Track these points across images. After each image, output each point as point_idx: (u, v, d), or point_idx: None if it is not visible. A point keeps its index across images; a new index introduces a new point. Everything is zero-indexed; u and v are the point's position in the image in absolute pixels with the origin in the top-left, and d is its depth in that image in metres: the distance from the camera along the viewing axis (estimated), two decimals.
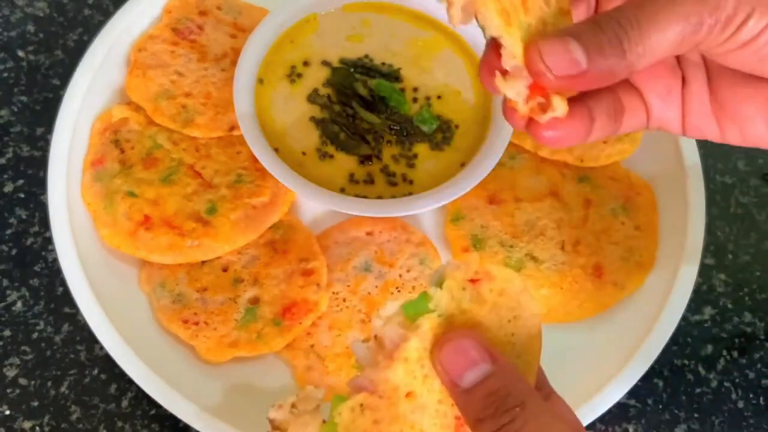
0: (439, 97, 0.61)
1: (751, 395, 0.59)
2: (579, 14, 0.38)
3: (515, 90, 0.33)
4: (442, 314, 0.32)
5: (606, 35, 0.31)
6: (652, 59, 0.31)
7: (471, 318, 0.32)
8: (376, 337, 0.32)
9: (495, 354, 0.30)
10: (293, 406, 0.32)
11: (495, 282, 0.33)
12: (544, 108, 0.33)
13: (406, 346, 0.31)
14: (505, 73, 0.34)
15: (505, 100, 0.35)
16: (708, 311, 0.62)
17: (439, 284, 0.33)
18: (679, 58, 0.38)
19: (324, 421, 0.32)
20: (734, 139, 0.37)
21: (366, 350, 0.32)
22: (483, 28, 0.32)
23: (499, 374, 0.30)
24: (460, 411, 0.31)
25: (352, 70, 0.61)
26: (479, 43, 0.62)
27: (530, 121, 0.35)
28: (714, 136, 0.38)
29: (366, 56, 0.62)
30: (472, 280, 0.33)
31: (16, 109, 0.65)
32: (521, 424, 0.29)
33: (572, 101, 0.35)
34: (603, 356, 0.56)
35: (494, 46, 0.34)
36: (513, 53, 0.32)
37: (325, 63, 0.62)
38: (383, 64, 0.62)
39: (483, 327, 0.33)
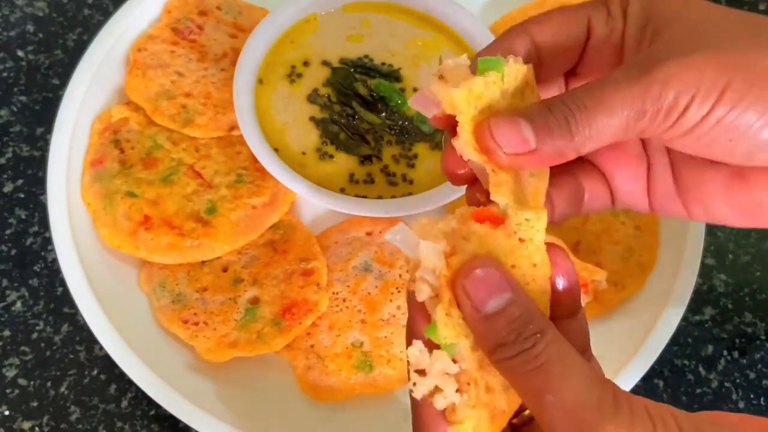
0: None
1: (751, 395, 0.59)
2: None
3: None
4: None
5: (555, 117, 0.32)
6: (600, 142, 0.33)
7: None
8: (441, 76, 0.33)
9: (513, 282, 0.31)
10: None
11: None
12: None
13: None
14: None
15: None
16: (708, 311, 0.62)
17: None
18: (644, 144, 0.39)
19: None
20: (701, 217, 0.38)
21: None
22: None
23: (520, 302, 0.31)
24: (478, 338, 0.31)
25: (352, 70, 0.61)
26: (480, 44, 0.62)
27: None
28: (681, 215, 0.39)
29: (366, 56, 0.62)
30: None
31: (15, 109, 0.65)
32: (542, 349, 0.30)
33: None
34: (603, 356, 0.55)
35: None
36: (465, 140, 0.33)
37: (325, 63, 0.62)
38: (383, 64, 0.62)
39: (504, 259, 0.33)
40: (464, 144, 0.33)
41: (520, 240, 0.33)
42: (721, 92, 0.31)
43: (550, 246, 0.34)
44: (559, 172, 0.38)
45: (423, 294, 0.32)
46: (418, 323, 0.33)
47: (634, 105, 0.32)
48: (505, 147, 0.32)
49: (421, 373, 0.31)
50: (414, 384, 0.31)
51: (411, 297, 0.33)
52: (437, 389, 0.31)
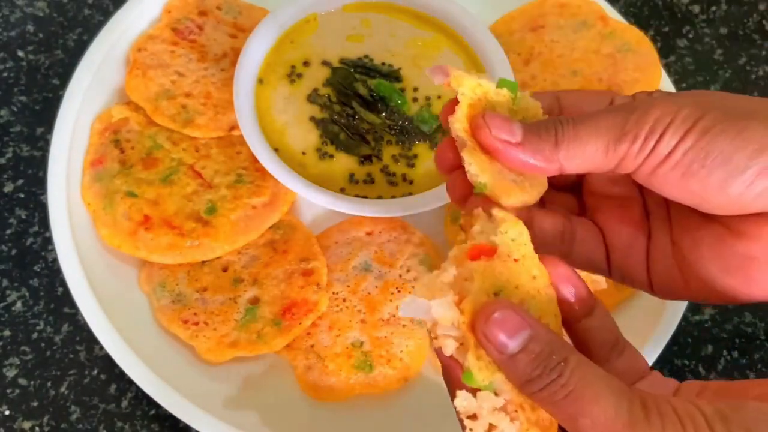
0: (439, 97, 0.61)
1: None
2: None
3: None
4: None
5: (545, 126, 0.36)
6: (583, 160, 0.35)
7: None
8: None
9: (530, 319, 0.33)
10: None
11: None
12: None
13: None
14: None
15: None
16: (708, 311, 0.62)
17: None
18: (647, 212, 0.40)
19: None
20: (698, 291, 0.38)
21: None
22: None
23: (539, 337, 0.32)
24: (507, 376, 0.32)
25: (352, 70, 0.61)
26: (479, 44, 0.62)
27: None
28: (681, 294, 0.39)
29: (366, 56, 0.62)
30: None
31: (16, 109, 0.65)
32: (568, 378, 0.31)
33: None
34: None
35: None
36: (458, 117, 0.36)
37: (325, 63, 0.62)
38: (383, 64, 0.62)
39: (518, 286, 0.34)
40: (456, 119, 0.36)
41: (515, 260, 0.34)
42: (694, 122, 0.33)
43: (542, 257, 0.35)
44: (552, 211, 0.40)
45: (449, 348, 0.33)
46: (454, 373, 0.34)
47: (615, 127, 0.34)
48: (492, 129, 0.35)
49: (473, 417, 0.32)
50: (471, 430, 0.32)
51: (439, 353, 0.34)
52: (492, 426, 0.32)
